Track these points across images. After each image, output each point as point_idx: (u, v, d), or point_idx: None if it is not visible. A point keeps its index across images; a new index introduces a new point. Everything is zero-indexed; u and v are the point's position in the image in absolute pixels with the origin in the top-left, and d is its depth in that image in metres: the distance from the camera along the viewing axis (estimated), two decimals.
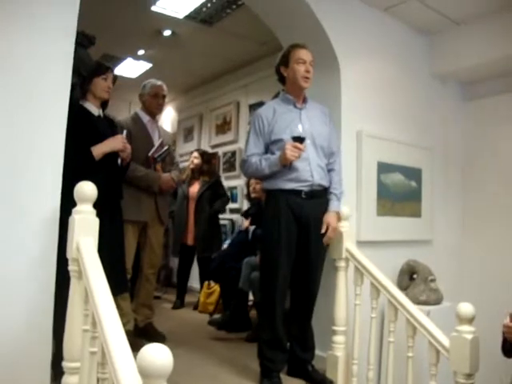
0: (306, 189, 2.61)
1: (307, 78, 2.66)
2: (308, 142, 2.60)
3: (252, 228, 3.92)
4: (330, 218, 2.65)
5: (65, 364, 1.80)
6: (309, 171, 2.61)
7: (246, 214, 4.18)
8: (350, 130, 3.16)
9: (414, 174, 3.61)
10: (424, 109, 3.75)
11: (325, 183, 2.70)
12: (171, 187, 3.39)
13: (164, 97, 3.56)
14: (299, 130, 2.59)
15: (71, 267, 1.82)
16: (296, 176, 2.59)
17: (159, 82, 3.55)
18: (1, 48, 1.90)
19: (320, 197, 2.68)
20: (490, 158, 3.85)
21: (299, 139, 2.51)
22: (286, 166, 2.55)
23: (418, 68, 3.73)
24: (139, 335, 3.18)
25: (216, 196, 4.79)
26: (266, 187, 2.72)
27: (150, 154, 3.14)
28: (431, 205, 3.73)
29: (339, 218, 2.73)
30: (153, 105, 3.48)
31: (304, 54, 2.67)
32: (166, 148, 3.33)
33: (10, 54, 1.92)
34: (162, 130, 3.59)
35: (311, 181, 2.61)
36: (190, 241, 4.79)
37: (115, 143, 2.57)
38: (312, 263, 2.65)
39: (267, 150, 2.68)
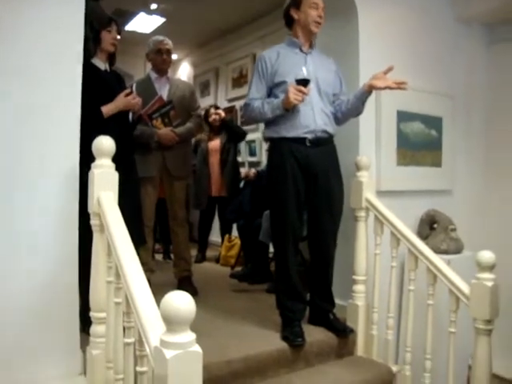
0: (310, 136, 2.56)
1: (319, 23, 2.60)
2: (312, 86, 2.54)
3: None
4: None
5: (92, 314, 1.88)
6: (311, 116, 2.56)
7: None
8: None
9: (434, 122, 3.52)
10: (446, 55, 3.62)
11: (330, 130, 2.64)
12: (170, 141, 3.33)
13: (168, 51, 3.53)
14: (303, 72, 2.50)
15: (93, 221, 1.86)
16: (298, 121, 2.54)
17: (161, 38, 3.54)
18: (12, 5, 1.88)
19: (326, 144, 2.64)
20: None
21: (303, 82, 2.43)
22: (289, 109, 2.49)
23: (440, 12, 3.57)
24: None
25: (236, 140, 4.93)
26: (269, 135, 2.68)
27: (142, 111, 3.12)
28: (452, 154, 3.66)
29: None
30: (158, 61, 3.50)
31: None
32: (165, 104, 3.32)
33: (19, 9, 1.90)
34: (175, 84, 3.56)
35: (314, 126, 2.56)
36: (214, 192, 4.84)
37: (123, 103, 2.57)
38: (323, 213, 2.62)
39: (270, 94, 2.63)
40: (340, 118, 2.73)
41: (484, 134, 3.87)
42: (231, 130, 4.81)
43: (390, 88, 2.53)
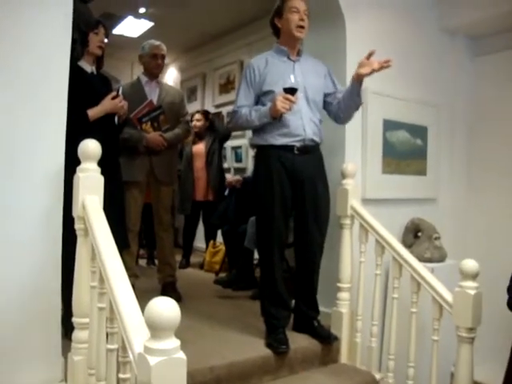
0: (298, 144, 2.57)
1: (301, 27, 2.59)
2: (300, 95, 2.55)
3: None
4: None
5: (74, 320, 1.85)
6: (301, 125, 2.57)
7: None
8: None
9: (419, 131, 3.56)
10: (432, 65, 3.67)
11: (317, 139, 2.66)
12: (159, 146, 3.33)
13: (163, 57, 3.54)
14: (291, 80, 2.54)
15: (77, 225, 1.83)
16: (288, 131, 2.55)
17: (157, 42, 3.54)
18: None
19: (313, 152, 2.65)
20: (500, 116, 3.75)
21: (291, 91, 2.44)
22: (276, 118, 2.50)
23: (426, 22, 3.62)
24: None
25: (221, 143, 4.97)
26: (256, 142, 2.68)
27: (131, 115, 3.12)
28: (437, 163, 3.70)
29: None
30: (152, 65, 3.49)
31: (297, 3, 2.59)
32: (155, 108, 3.32)
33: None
34: (165, 89, 3.56)
35: (303, 135, 2.57)
36: (198, 197, 4.84)
37: (110, 106, 2.57)
38: (309, 220, 2.63)
39: (258, 102, 2.64)
40: (342, 117, 2.73)
41: (468, 144, 3.92)
42: (215, 129, 4.83)
43: (376, 71, 2.49)
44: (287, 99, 2.43)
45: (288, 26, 2.61)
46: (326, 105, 2.77)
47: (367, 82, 2.81)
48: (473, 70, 3.93)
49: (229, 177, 4.78)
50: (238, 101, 2.67)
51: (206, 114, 5.02)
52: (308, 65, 2.73)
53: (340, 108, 2.70)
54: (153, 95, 3.44)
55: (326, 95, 2.74)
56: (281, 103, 2.42)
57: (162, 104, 3.39)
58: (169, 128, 3.40)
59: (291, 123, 2.55)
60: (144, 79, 3.50)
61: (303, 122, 2.58)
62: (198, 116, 4.91)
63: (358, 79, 2.54)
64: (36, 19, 1.93)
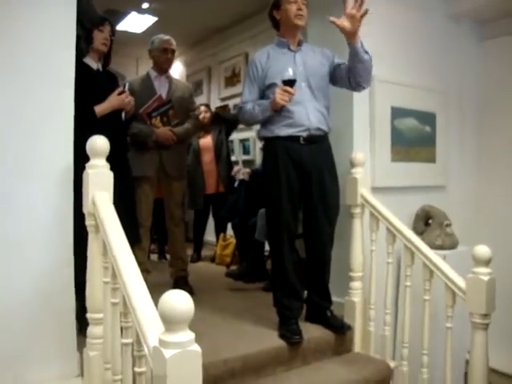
0: (304, 134, 2.57)
1: (300, 15, 2.59)
2: (303, 84, 2.57)
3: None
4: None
5: (89, 315, 1.86)
6: (305, 114, 2.57)
7: None
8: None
9: (427, 118, 3.53)
10: (438, 51, 3.63)
11: (324, 127, 2.64)
12: (168, 140, 3.33)
13: (173, 51, 3.54)
14: (289, 72, 2.54)
15: (88, 222, 1.84)
16: (292, 121, 2.56)
17: (167, 37, 3.54)
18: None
19: (320, 142, 2.64)
20: (508, 100, 3.71)
21: (289, 82, 2.46)
22: (277, 111, 2.52)
23: (431, 8, 3.58)
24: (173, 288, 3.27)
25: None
26: (264, 134, 2.69)
27: (140, 110, 3.13)
28: (446, 150, 3.67)
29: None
30: (161, 60, 3.49)
31: None
32: (164, 103, 3.32)
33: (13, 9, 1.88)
34: (174, 84, 3.56)
35: (308, 125, 2.57)
36: (208, 190, 4.83)
37: (117, 102, 2.58)
38: (318, 210, 2.62)
39: (263, 96, 2.65)
40: (362, 80, 2.60)
41: (477, 130, 3.89)
42: (226, 120, 4.85)
43: (355, 16, 2.39)
44: (286, 91, 2.45)
45: (287, 16, 2.61)
46: (339, 80, 2.70)
47: (374, 70, 2.79)
48: (479, 55, 3.89)
49: (235, 169, 4.75)
50: (243, 97, 2.71)
51: (208, 106, 5.06)
52: (310, 53, 2.71)
53: (355, 73, 2.58)
54: (162, 90, 3.43)
55: (333, 71, 2.70)
56: (280, 95, 2.44)
57: (172, 99, 3.39)
58: (178, 123, 3.40)
59: (295, 114, 2.56)
60: (153, 74, 3.49)
61: (307, 111, 2.58)
62: (204, 108, 4.91)
63: (351, 40, 2.46)
64: (40, 18, 1.93)
